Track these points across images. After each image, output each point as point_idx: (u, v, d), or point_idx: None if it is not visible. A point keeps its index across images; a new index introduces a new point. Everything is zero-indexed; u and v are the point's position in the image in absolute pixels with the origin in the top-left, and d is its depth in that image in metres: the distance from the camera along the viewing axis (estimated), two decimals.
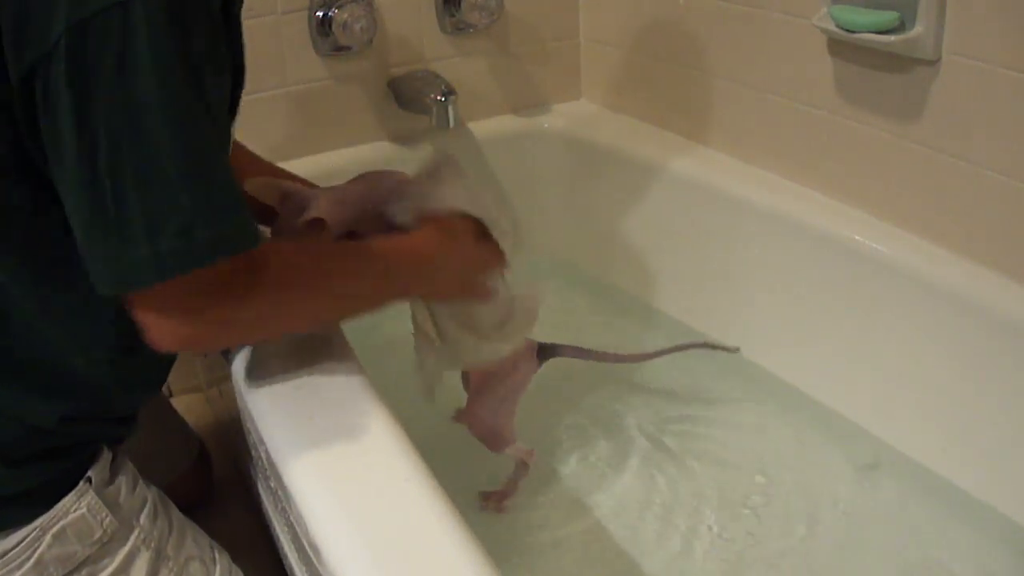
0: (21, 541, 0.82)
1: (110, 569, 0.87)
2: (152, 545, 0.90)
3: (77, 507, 0.84)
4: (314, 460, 0.82)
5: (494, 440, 1.17)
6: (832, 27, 1.18)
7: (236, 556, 1.02)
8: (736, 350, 1.36)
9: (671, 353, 1.34)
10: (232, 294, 0.74)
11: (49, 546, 0.83)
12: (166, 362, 0.96)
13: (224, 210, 0.70)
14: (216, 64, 0.73)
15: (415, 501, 0.76)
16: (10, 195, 0.73)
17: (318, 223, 0.95)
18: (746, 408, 1.38)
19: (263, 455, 0.92)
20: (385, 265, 0.91)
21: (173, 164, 0.68)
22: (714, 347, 1.37)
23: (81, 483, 0.85)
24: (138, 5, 0.64)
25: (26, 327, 0.79)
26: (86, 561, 0.85)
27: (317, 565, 0.77)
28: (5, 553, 0.81)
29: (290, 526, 0.90)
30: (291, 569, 0.97)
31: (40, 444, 0.83)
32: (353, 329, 1.01)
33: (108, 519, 0.86)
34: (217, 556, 0.99)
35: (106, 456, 0.89)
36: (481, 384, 1.15)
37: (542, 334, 1.22)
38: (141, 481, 0.93)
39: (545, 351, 1.20)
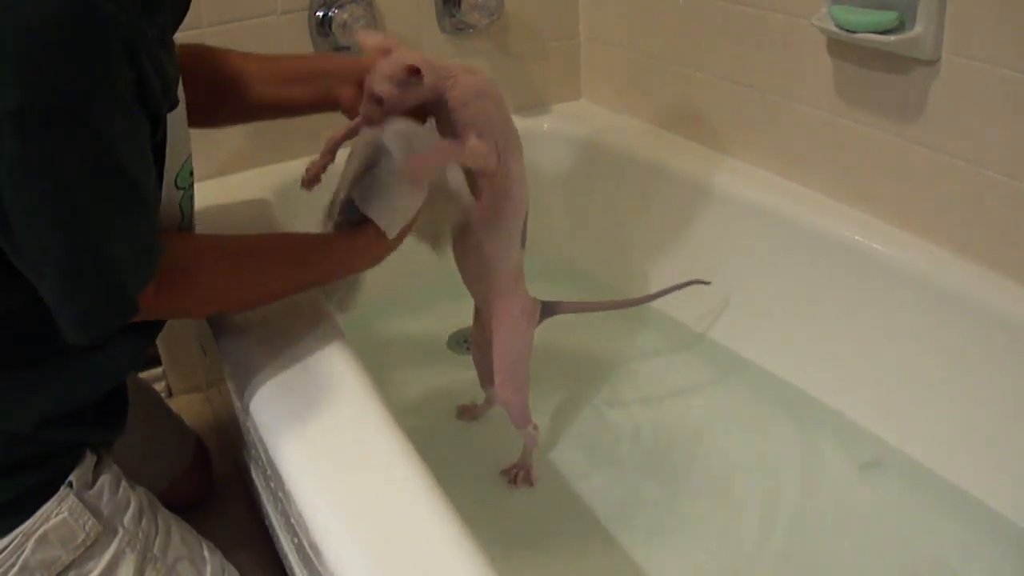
0: (5, 548, 0.81)
1: (95, 572, 0.86)
2: (137, 547, 0.90)
3: (58, 511, 0.84)
4: (314, 460, 0.82)
5: (522, 415, 1.20)
6: (832, 27, 1.18)
7: (236, 556, 1.02)
8: (708, 283, 1.37)
9: (660, 297, 1.36)
10: (172, 294, 0.84)
11: (32, 551, 0.82)
12: (130, 347, 0.93)
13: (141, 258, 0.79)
14: (129, 119, 0.74)
15: (414, 501, 0.76)
16: None
17: (415, 73, 0.96)
18: (747, 407, 1.39)
19: (262, 455, 0.92)
20: (316, 261, 0.98)
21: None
22: (690, 284, 1.37)
23: (62, 487, 0.85)
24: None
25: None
26: (71, 565, 0.85)
27: (317, 565, 0.77)
28: None
29: (290, 526, 0.90)
30: (291, 569, 0.97)
31: (21, 453, 0.83)
32: (353, 328, 1.01)
33: (90, 522, 0.85)
34: (208, 555, 0.98)
35: (89, 459, 0.88)
36: (502, 363, 1.17)
37: (539, 336, 1.22)
38: (125, 482, 0.92)
39: (547, 309, 1.22)
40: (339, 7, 1.44)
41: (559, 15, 1.69)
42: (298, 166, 1.51)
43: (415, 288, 1.39)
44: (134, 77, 0.73)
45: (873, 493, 1.22)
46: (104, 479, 0.89)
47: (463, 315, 1.61)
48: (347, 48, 1.48)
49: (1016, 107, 1.05)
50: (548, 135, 1.68)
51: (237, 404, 0.98)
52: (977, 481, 1.17)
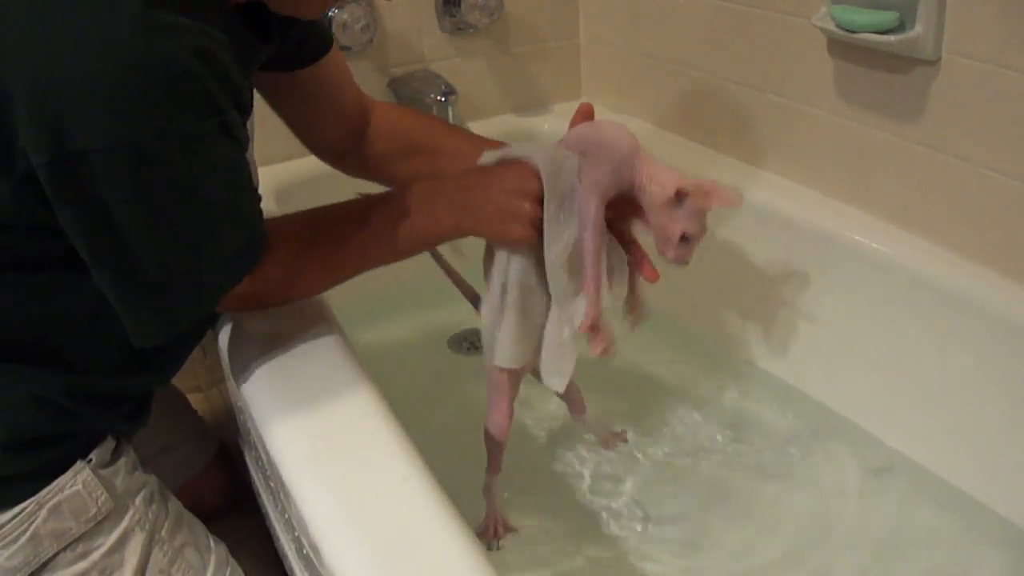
0: (17, 515, 0.83)
1: (104, 548, 0.88)
2: (146, 527, 0.91)
3: (73, 483, 0.85)
4: (314, 460, 0.82)
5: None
6: (832, 27, 1.18)
7: (237, 556, 1.02)
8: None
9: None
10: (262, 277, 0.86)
11: (44, 520, 0.84)
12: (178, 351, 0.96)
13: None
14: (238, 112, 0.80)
15: (414, 501, 0.76)
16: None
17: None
18: (753, 412, 1.38)
19: (263, 455, 0.92)
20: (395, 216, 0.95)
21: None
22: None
23: (79, 462, 0.86)
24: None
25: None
26: (81, 538, 0.86)
27: (317, 565, 0.78)
28: (1, 527, 0.82)
29: (290, 526, 0.90)
30: (291, 569, 0.97)
31: (50, 427, 0.84)
32: (353, 328, 1.01)
33: (103, 497, 0.87)
34: (213, 545, 0.99)
35: (109, 442, 0.90)
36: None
37: None
38: (141, 468, 0.94)
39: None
40: (339, 7, 1.44)
41: (559, 15, 1.69)
42: (298, 166, 1.52)
43: (415, 288, 1.39)
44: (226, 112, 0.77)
45: (881, 497, 1.21)
46: (122, 461, 0.91)
47: (463, 315, 1.61)
48: (348, 48, 1.48)
49: (1016, 107, 1.05)
50: (548, 135, 1.68)
51: (237, 404, 0.98)
52: (980, 484, 1.16)
